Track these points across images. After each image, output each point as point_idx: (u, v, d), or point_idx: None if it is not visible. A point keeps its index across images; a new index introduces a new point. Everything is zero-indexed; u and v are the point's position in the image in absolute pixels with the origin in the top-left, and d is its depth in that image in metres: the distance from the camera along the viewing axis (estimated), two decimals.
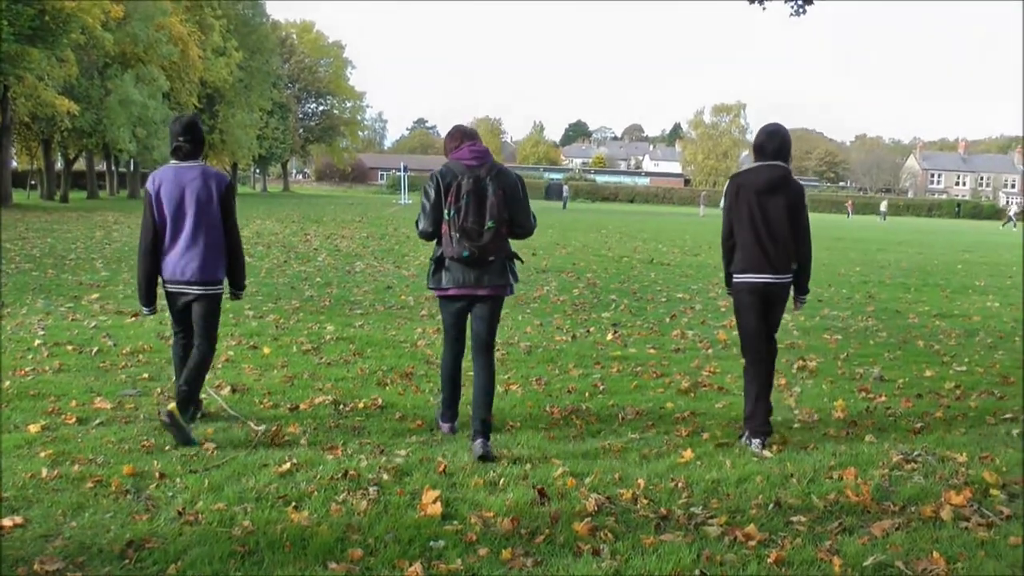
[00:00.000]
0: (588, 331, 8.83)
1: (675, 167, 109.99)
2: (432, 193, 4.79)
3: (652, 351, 7.87)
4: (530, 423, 5.38)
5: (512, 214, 4.83)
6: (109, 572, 3.22)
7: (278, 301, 10.18)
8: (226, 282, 5.23)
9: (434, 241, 4.93)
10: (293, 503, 3.92)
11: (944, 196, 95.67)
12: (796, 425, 5.51)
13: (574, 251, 19.56)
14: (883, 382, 6.84)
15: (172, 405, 4.81)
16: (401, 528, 3.67)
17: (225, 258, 5.12)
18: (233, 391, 5.88)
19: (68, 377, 6.15)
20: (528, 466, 4.54)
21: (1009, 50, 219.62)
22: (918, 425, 5.54)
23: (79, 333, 7.76)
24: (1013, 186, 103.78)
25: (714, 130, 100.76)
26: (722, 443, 5.04)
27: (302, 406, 5.58)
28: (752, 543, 3.61)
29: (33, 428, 4.86)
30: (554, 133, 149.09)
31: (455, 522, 3.77)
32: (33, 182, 47.82)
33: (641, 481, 4.33)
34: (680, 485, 4.30)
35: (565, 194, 59.53)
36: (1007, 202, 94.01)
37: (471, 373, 5.09)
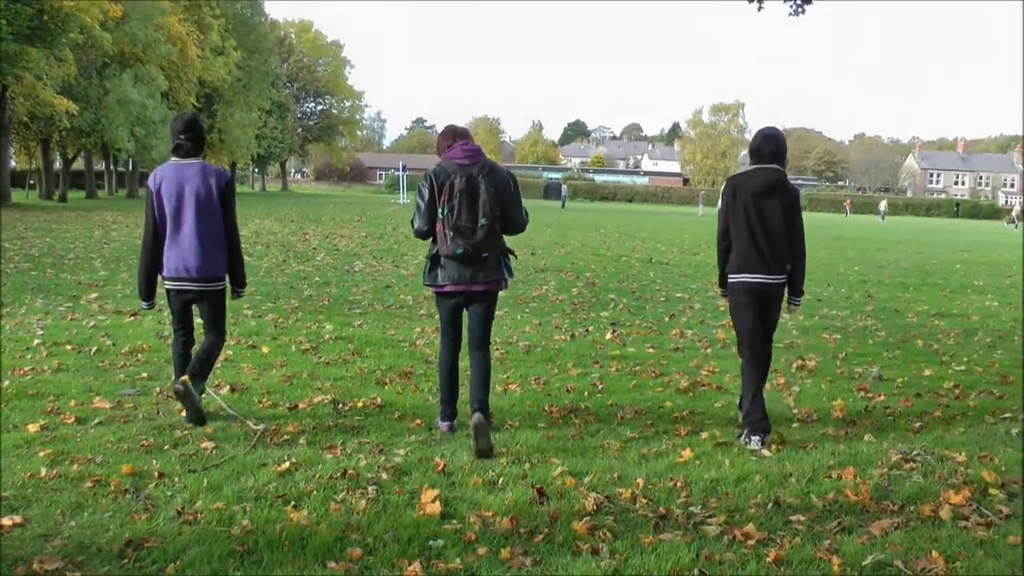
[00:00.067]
0: (587, 330, 8.83)
1: (674, 166, 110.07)
2: (426, 192, 4.89)
3: (651, 350, 7.87)
4: (529, 422, 5.38)
5: (505, 211, 4.94)
6: (108, 571, 3.22)
7: (277, 300, 10.18)
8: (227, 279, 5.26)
9: (430, 239, 5.01)
10: (292, 502, 3.92)
11: (943, 196, 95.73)
12: (795, 424, 5.52)
13: (573, 250, 19.56)
14: (882, 381, 6.85)
15: (186, 376, 4.96)
16: (400, 527, 3.67)
17: (226, 255, 5.15)
18: (232, 390, 5.88)
19: (67, 377, 6.15)
20: (527, 465, 4.54)
21: (1008, 50, 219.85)
22: (917, 424, 5.55)
23: (78, 333, 7.75)
24: (1012, 186, 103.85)
25: (713, 129, 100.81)
26: (721, 442, 5.04)
27: (301, 405, 5.58)
28: (751, 542, 3.61)
29: (32, 427, 4.86)
30: (553, 132, 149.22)
31: (454, 521, 3.77)
32: (32, 181, 47.77)
33: (640, 480, 4.33)
34: (679, 484, 4.30)
35: (564, 193, 59.55)
36: (1006, 202, 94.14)
37: (469, 373, 5.14)
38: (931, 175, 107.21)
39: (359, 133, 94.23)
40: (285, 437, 4.90)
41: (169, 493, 4.01)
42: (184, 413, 5.12)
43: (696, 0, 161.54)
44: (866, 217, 65.81)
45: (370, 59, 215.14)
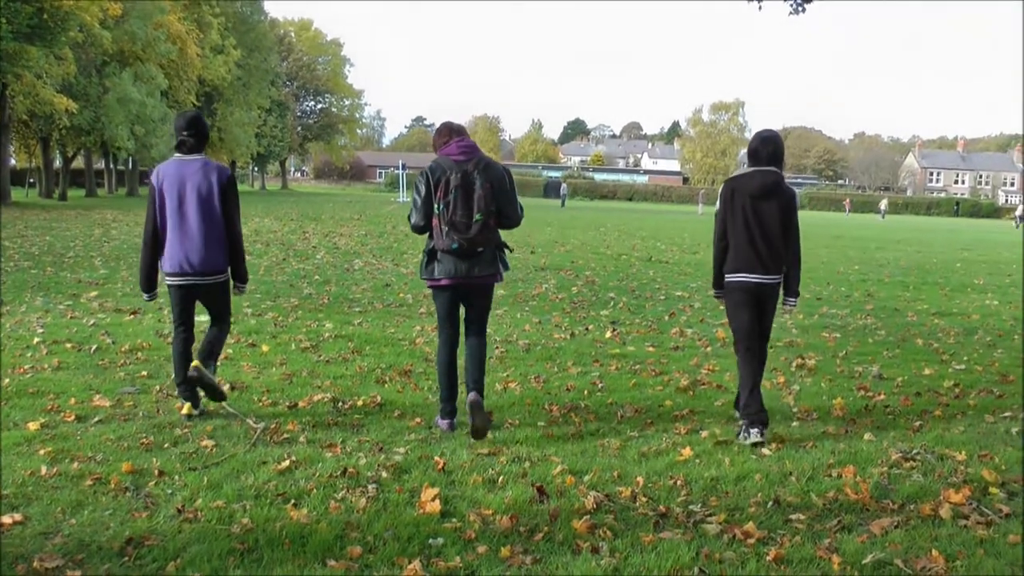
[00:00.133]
0: (587, 329, 8.83)
1: (674, 165, 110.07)
2: (423, 188, 4.99)
3: (651, 349, 7.87)
4: (529, 421, 5.38)
5: (500, 206, 5.04)
6: (108, 569, 3.21)
7: (277, 299, 10.18)
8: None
9: (426, 235, 5.10)
10: (292, 501, 3.92)
11: (943, 194, 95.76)
12: (795, 423, 5.52)
13: (573, 249, 19.56)
14: (882, 380, 6.85)
15: (195, 362, 5.04)
16: (400, 526, 3.67)
17: (227, 250, 5.21)
18: (232, 389, 5.87)
19: (67, 375, 6.14)
20: (527, 464, 4.54)
21: (1009, 49, 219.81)
22: (917, 423, 5.55)
23: (78, 331, 7.75)
24: (1012, 184, 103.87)
25: (712, 128, 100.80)
26: (721, 441, 5.04)
27: (301, 404, 5.58)
28: (751, 541, 3.61)
29: (32, 426, 4.86)
30: (553, 131, 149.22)
31: (454, 520, 3.77)
32: (32, 180, 47.74)
33: (640, 479, 4.33)
34: (679, 483, 4.30)
35: (563, 192, 59.51)
36: (1006, 201, 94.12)
37: (465, 357, 5.24)
38: (931, 174, 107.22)
39: (359, 132, 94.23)
40: (285, 435, 4.90)
41: (169, 491, 4.01)
42: (186, 408, 5.15)
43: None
44: (866, 216, 65.82)
45: (370, 58, 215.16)
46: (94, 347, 7.05)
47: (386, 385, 6.18)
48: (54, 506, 3.77)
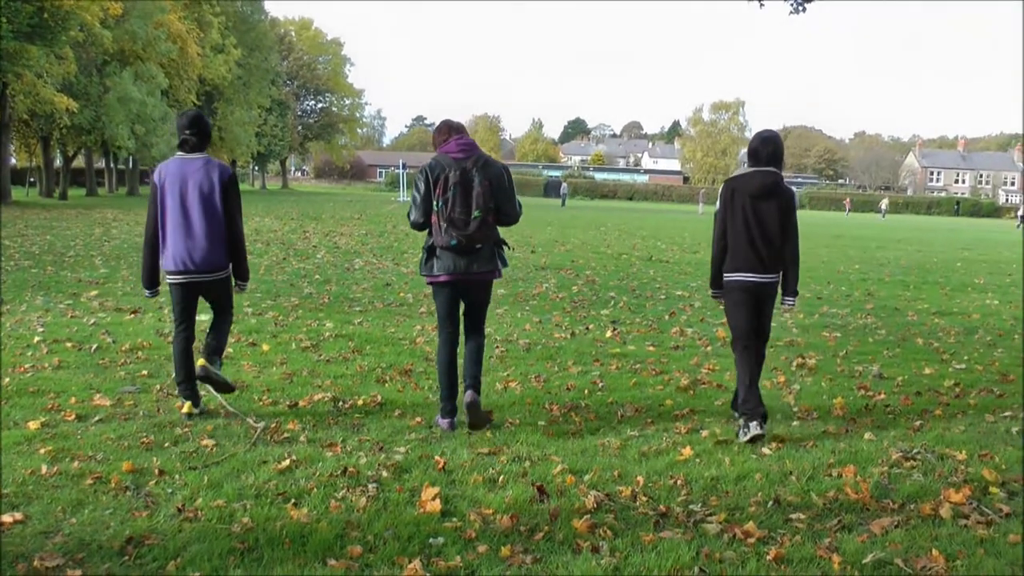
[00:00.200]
0: (587, 328, 8.83)
1: (674, 164, 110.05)
2: (422, 186, 5.05)
3: (651, 348, 7.87)
4: (529, 420, 5.38)
5: (498, 203, 5.10)
6: (109, 569, 3.22)
7: (277, 298, 10.18)
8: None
9: (425, 231, 5.16)
10: (292, 500, 3.92)
11: (943, 194, 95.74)
12: (795, 422, 5.52)
13: (573, 248, 19.56)
14: (882, 380, 6.85)
15: (201, 361, 5.14)
16: (400, 525, 3.67)
17: (228, 247, 5.24)
18: (218, 389, 5.86)
19: (67, 374, 6.15)
20: (527, 463, 4.54)
21: (1009, 48, 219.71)
22: (917, 422, 5.55)
23: (78, 330, 7.75)
24: (1012, 184, 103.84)
25: (713, 127, 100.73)
26: (721, 440, 5.04)
27: (301, 403, 5.58)
28: (751, 540, 3.61)
29: (33, 425, 4.86)
30: (553, 130, 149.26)
31: (454, 519, 3.77)
32: (32, 179, 47.74)
33: (640, 478, 4.33)
34: (679, 482, 4.30)
35: (564, 191, 59.49)
36: (1007, 200, 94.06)
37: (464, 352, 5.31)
38: (931, 173, 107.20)
39: (359, 131, 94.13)
40: (285, 435, 4.90)
41: (169, 490, 4.01)
42: (186, 407, 5.17)
43: None
44: (867, 215, 65.82)
45: (370, 57, 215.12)
46: (94, 346, 7.05)
47: (386, 384, 6.18)
48: (54, 505, 3.77)
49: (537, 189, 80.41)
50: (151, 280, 5.29)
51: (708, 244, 22.80)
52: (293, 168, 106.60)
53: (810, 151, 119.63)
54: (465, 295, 5.25)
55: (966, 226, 50.74)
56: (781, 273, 5.33)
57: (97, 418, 5.09)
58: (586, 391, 6.17)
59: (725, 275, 5.34)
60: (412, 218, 5.14)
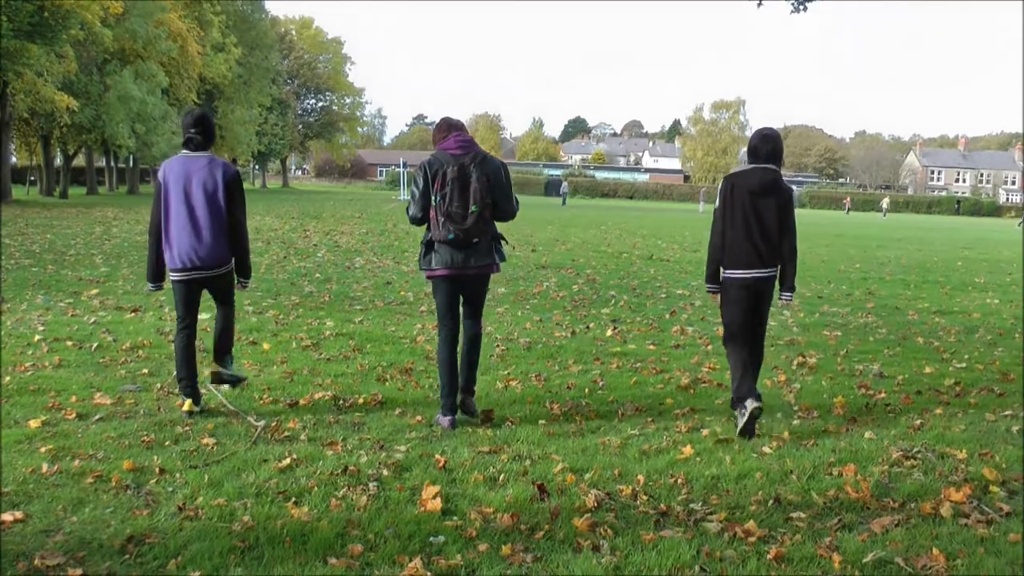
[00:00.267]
0: (588, 327, 8.83)
1: (674, 163, 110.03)
2: (421, 181, 5.15)
3: (652, 347, 7.87)
4: (530, 419, 5.38)
5: (495, 199, 5.20)
6: (109, 567, 3.22)
7: (277, 297, 10.18)
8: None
9: (424, 226, 5.24)
10: (293, 499, 3.92)
11: (944, 193, 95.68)
12: (796, 421, 5.52)
13: (574, 247, 19.55)
14: (883, 379, 6.85)
15: (213, 367, 5.40)
16: (401, 524, 3.68)
17: (230, 244, 5.31)
18: (232, 387, 5.87)
19: (68, 373, 6.15)
20: (528, 462, 4.54)
21: (1009, 47, 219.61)
22: (918, 421, 5.54)
23: (79, 329, 7.76)
24: (1013, 183, 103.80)
25: (713, 126, 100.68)
26: (722, 439, 5.04)
27: (302, 402, 5.58)
28: (752, 539, 3.61)
29: (33, 424, 4.87)
30: (554, 129, 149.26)
31: (455, 518, 3.77)
32: (32, 178, 47.76)
33: (641, 477, 4.33)
34: (680, 481, 4.30)
35: (564, 190, 59.46)
36: (1007, 199, 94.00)
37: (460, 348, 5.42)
38: (932, 172, 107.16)
39: (360, 130, 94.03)
40: (286, 433, 4.90)
41: (170, 489, 4.01)
42: (187, 405, 5.19)
43: None
44: (867, 215, 65.81)
45: (371, 56, 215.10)
46: (95, 345, 7.05)
47: (387, 383, 6.18)
48: (55, 504, 3.78)
49: (538, 188, 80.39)
50: (156, 275, 5.35)
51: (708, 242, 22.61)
52: (294, 167, 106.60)
53: (811, 150, 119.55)
54: (463, 289, 5.33)
55: (966, 225, 50.71)
56: (778, 268, 5.39)
57: (98, 417, 5.09)
58: (587, 390, 6.17)
59: (724, 271, 5.38)
60: (411, 213, 5.24)
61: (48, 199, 38.74)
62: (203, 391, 5.42)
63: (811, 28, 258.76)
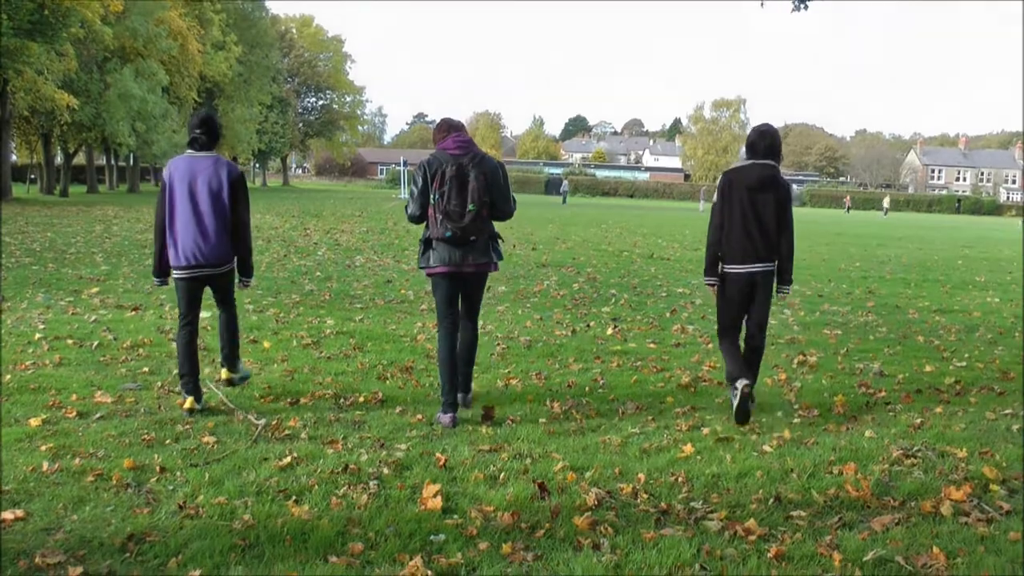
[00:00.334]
0: (588, 326, 8.83)
1: (675, 162, 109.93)
2: (420, 180, 5.23)
3: (652, 346, 7.87)
4: (530, 417, 5.38)
5: (492, 198, 5.29)
6: (110, 566, 3.22)
7: (278, 295, 10.18)
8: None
9: (423, 224, 5.32)
10: (293, 497, 3.93)
11: (944, 191, 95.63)
12: (796, 420, 5.52)
13: (574, 246, 19.55)
14: (883, 377, 6.84)
15: (221, 375, 5.62)
16: (401, 522, 3.68)
17: (233, 243, 5.37)
18: (232, 385, 5.87)
19: (68, 371, 6.15)
20: (528, 460, 4.54)
21: (1009, 46, 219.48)
22: (918, 420, 5.54)
23: (79, 327, 7.76)
24: (1014, 181, 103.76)
25: (714, 125, 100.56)
26: (722, 438, 5.04)
27: (302, 400, 5.59)
28: (752, 538, 3.61)
29: (34, 422, 4.87)
30: (554, 128, 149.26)
31: (455, 516, 3.77)
32: (33, 176, 47.76)
33: (641, 475, 4.33)
34: (680, 480, 4.30)
35: (564, 189, 59.42)
36: (1007, 198, 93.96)
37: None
38: (932, 171, 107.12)
39: (360, 128, 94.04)
40: (286, 432, 4.90)
41: (171, 487, 4.02)
42: (188, 403, 5.23)
43: None
44: (868, 213, 65.79)
45: (372, 54, 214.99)
46: (95, 343, 7.06)
47: (387, 381, 6.19)
48: (56, 502, 3.78)
49: (538, 186, 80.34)
50: (161, 270, 5.40)
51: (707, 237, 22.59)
52: (294, 165, 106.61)
53: (811, 149, 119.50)
54: (462, 286, 5.39)
55: (967, 224, 50.69)
56: (776, 263, 5.48)
57: (98, 415, 5.09)
58: (587, 388, 6.17)
59: (724, 266, 5.48)
60: (410, 211, 5.31)
61: (48, 197, 38.75)
62: (204, 391, 5.43)
63: (812, 26, 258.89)
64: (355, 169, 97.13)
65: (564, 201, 55.75)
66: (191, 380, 5.25)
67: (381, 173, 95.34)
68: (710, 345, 7.96)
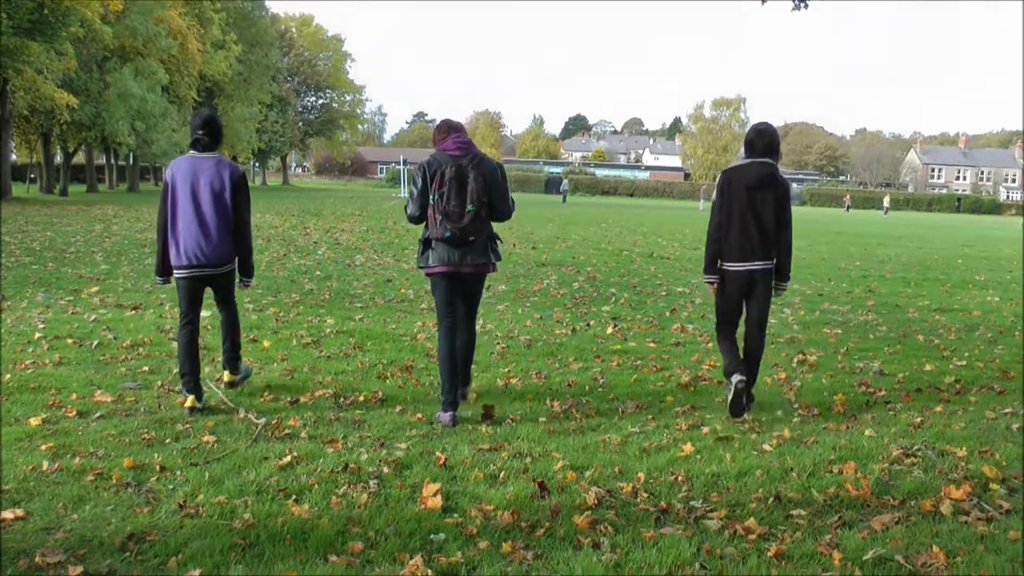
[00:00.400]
0: (588, 325, 8.83)
1: (675, 161, 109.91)
2: (419, 181, 5.26)
3: (652, 345, 7.87)
4: (530, 417, 5.38)
5: (491, 199, 5.31)
6: (110, 565, 3.22)
7: (278, 295, 10.18)
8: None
9: (422, 224, 5.35)
10: (293, 496, 3.93)
11: (944, 191, 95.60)
12: (796, 419, 5.52)
13: (574, 245, 19.55)
14: (883, 376, 6.85)
15: (224, 377, 5.68)
16: (402, 521, 3.68)
17: (235, 243, 5.41)
18: (232, 385, 5.87)
19: (68, 370, 6.15)
20: (528, 459, 4.54)
21: (1010, 45, 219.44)
22: (918, 419, 5.55)
23: (79, 326, 7.76)
24: (1014, 180, 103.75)
25: (714, 124, 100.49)
26: (722, 437, 5.04)
27: (302, 399, 5.59)
28: (752, 537, 3.61)
29: (34, 421, 4.87)
30: (554, 127, 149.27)
31: (455, 515, 3.77)
32: (32, 175, 47.75)
33: (641, 475, 4.33)
34: (680, 479, 4.30)
35: (564, 188, 59.41)
36: (1007, 197, 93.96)
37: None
38: (932, 170, 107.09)
39: (360, 127, 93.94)
40: (286, 431, 4.90)
41: (171, 487, 4.02)
42: (189, 401, 5.24)
43: None
44: (868, 212, 65.78)
45: (371, 53, 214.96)
46: (95, 343, 7.06)
47: (387, 381, 6.19)
48: (56, 501, 3.78)
49: (538, 185, 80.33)
50: (164, 269, 5.42)
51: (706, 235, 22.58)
52: (294, 164, 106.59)
53: (811, 148, 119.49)
54: (460, 287, 5.41)
55: (967, 223, 50.69)
56: (775, 260, 5.52)
57: (98, 414, 5.09)
58: (587, 387, 6.18)
59: (723, 264, 5.52)
60: (409, 211, 5.33)
61: (48, 196, 38.73)
62: (204, 390, 5.43)
63: (812, 26, 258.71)
64: (355, 168, 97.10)
65: (564, 200, 55.75)
66: (192, 379, 5.26)
67: (381, 172, 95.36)
68: (710, 344, 7.96)
